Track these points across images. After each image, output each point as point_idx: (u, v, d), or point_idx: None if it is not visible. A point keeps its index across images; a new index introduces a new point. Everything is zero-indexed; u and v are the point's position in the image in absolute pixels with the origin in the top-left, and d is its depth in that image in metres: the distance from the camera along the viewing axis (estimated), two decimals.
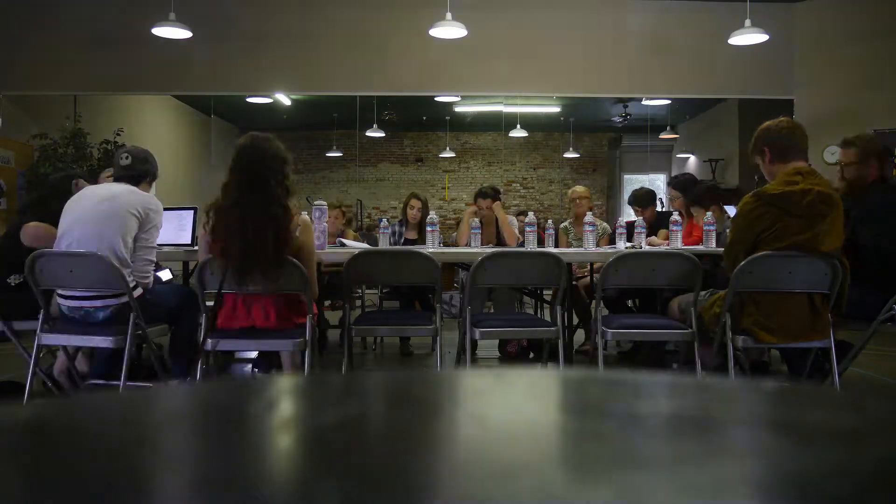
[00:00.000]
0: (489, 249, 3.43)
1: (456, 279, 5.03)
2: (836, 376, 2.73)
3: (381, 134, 10.79)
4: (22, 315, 2.97)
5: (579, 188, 4.93)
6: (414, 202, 4.59)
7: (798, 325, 2.72)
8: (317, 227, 3.06)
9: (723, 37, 5.63)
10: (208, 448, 0.32)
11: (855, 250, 2.87)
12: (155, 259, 2.94)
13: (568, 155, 13.01)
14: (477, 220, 3.87)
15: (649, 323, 3.16)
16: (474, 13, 5.78)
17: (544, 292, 4.28)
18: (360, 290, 5.07)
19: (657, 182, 13.24)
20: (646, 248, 3.58)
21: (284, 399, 0.42)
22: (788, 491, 0.26)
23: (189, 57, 6.48)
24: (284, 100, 10.03)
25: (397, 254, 3.38)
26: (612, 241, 4.34)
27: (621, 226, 3.88)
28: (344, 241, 4.00)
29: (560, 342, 2.98)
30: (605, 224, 4.75)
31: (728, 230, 3.10)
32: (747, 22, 5.22)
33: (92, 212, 2.80)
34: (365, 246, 3.69)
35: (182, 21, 5.31)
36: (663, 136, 11.41)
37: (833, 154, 5.72)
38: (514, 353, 4.31)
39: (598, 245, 3.96)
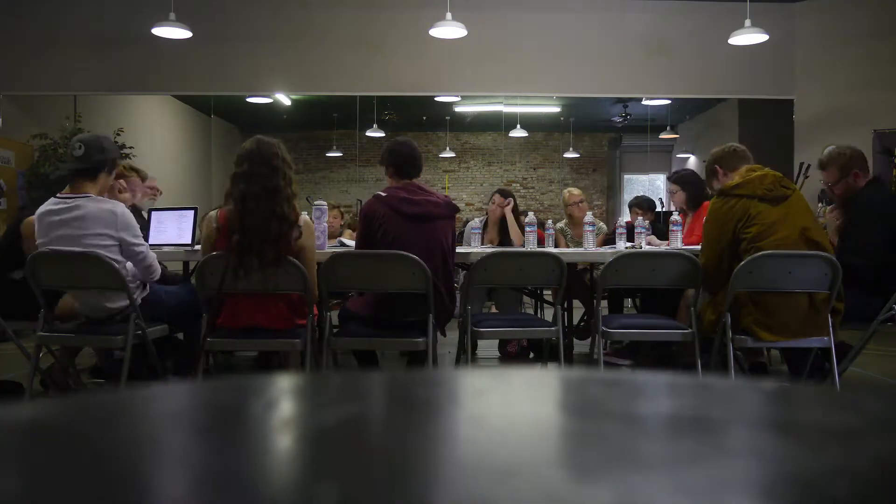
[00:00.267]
0: (489, 249, 3.43)
1: (456, 279, 5.03)
2: (837, 376, 2.73)
3: (381, 134, 10.79)
4: (24, 313, 2.95)
5: (575, 191, 4.93)
6: None
7: (798, 322, 2.73)
8: (317, 227, 3.06)
9: (723, 37, 5.63)
10: (208, 448, 0.32)
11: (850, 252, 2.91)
12: (148, 251, 2.82)
13: (568, 155, 13.01)
14: (478, 220, 3.87)
15: (649, 323, 3.16)
16: (474, 13, 5.79)
17: (544, 292, 4.28)
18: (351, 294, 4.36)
19: (657, 182, 13.25)
20: (646, 248, 3.58)
21: (284, 399, 0.42)
22: (788, 491, 0.26)
23: (189, 57, 6.48)
24: (284, 100, 10.03)
25: (384, 257, 2.79)
26: (607, 241, 4.35)
27: (621, 226, 3.88)
28: (344, 241, 4.00)
29: (560, 342, 2.98)
30: (601, 224, 4.77)
31: None
32: (747, 22, 5.22)
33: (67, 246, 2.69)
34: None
35: (182, 21, 5.31)
36: (663, 136, 11.41)
37: None
38: (514, 353, 4.31)
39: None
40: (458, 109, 11.35)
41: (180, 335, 3.17)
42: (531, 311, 4.66)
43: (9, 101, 6.69)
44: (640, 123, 11.91)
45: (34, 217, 2.82)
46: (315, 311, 2.81)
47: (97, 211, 2.71)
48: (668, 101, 10.20)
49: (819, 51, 6.68)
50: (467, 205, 13.19)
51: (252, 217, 2.56)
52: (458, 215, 3.26)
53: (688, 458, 0.29)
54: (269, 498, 0.25)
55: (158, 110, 10.06)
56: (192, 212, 3.56)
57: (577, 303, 3.95)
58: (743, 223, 2.74)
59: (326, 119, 12.08)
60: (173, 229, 3.53)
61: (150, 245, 3.44)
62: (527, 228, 3.63)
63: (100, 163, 2.80)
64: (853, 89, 6.48)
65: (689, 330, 2.89)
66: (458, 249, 3.43)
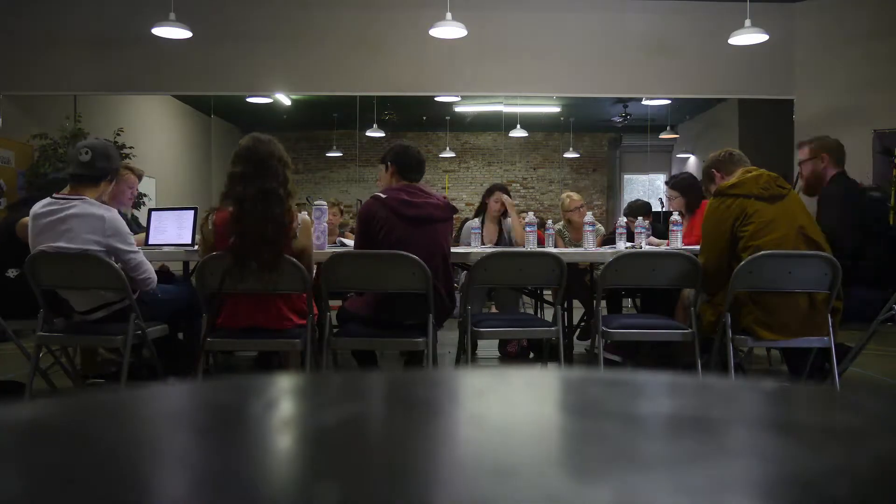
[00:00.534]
0: (489, 249, 3.43)
1: (456, 279, 5.03)
2: (837, 376, 2.73)
3: (381, 134, 10.79)
4: (22, 312, 2.95)
5: (575, 196, 4.93)
6: None
7: (798, 322, 2.73)
8: (317, 227, 3.06)
9: (723, 37, 5.63)
10: (208, 448, 0.32)
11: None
12: (142, 256, 2.81)
13: (568, 155, 13.01)
14: (477, 219, 3.87)
15: (649, 323, 3.16)
16: (474, 13, 5.79)
17: (544, 292, 4.28)
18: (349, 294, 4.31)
19: (657, 182, 13.25)
20: (646, 248, 3.58)
21: (284, 399, 0.42)
22: (788, 491, 0.26)
23: (189, 57, 6.48)
24: (284, 100, 10.03)
25: (384, 257, 2.78)
26: (605, 242, 4.35)
27: (621, 226, 3.88)
28: (344, 240, 4.00)
29: (560, 342, 2.98)
30: (600, 226, 4.77)
31: None
32: (747, 22, 5.22)
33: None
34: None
35: (182, 21, 5.31)
36: (663, 136, 11.41)
37: None
38: (514, 353, 4.31)
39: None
40: (458, 109, 11.35)
41: (180, 335, 3.17)
42: (531, 311, 4.66)
43: (9, 101, 6.69)
44: (640, 123, 11.91)
45: (28, 218, 2.82)
46: (315, 310, 2.81)
47: (85, 214, 2.69)
48: (668, 101, 10.20)
49: (819, 51, 6.68)
50: (467, 205, 13.17)
51: (249, 220, 2.56)
52: (456, 215, 3.26)
53: (688, 458, 0.29)
54: (269, 498, 0.25)
55: (158, 110, 10.06)
56: (192, 212, 3.56)
57: (576, 303, 3.95)
58: (740, 222, 2.76)
59: (326, 119, 12.08)
60: (173, 229, 3.53)
61: (150, 245, 3.45)
62: (527, 228, 3.63)
63: (104, 171, 2.81)
64: (853, 89, 6.48)
65: (689, 330, 2.89)
66: (458, 249, 3.43)
